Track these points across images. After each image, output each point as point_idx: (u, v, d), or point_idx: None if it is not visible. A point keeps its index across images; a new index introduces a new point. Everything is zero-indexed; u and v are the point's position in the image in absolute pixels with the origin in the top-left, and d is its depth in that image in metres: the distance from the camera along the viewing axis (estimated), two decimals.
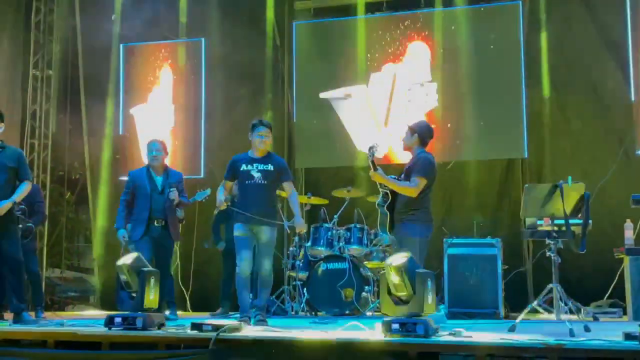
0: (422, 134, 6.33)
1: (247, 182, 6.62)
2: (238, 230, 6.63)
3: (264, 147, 6.67)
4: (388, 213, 6.16)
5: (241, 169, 6.65)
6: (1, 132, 6.67)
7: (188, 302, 9.86)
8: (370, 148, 6.06)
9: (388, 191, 6.17)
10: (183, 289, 9.88)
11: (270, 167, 6.65)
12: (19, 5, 11.10)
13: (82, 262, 12.42)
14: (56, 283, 11.39)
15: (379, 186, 6.23)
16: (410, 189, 6.07)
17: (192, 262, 10.03)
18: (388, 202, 6.17)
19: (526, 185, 6.11)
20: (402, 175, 6.27)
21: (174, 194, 7.40)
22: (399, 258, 5.20)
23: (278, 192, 7.02)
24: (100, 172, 10.69)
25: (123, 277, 5.89)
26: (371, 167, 6.03)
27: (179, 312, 8.36)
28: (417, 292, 5.03)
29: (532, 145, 9.59)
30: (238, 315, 6.75)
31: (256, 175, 6.59)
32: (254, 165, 6.63)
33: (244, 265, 6.56)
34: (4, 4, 10.72)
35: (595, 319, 7.38)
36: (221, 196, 6.67)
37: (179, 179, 7.70)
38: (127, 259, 5.93)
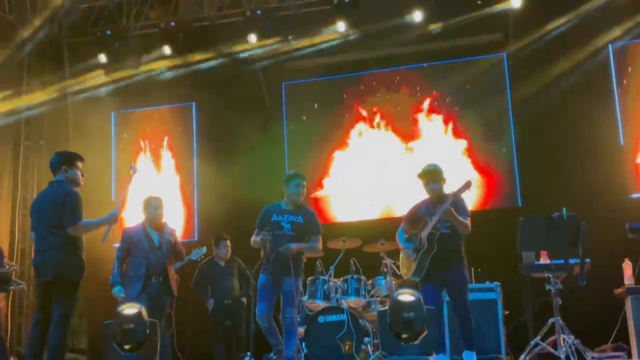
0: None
1: (276, 232, 6.63)
2: (261, 281, 6.70)
3: (299, 198, 6.76)
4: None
5: (272, 219, 6.71)
6: None
7: None
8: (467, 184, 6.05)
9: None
10: (179, 354, 9.59)
11: (300, 219, 6.73)
12: None
13: (76, 342, 12.11)
14: None
15: (431, 229, 6.17)
16: (469, 228, 6.12)
17: (188, 328, 9.76)
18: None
19: (521, 218, 6.06)
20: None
21: (170, 235, 7.25)
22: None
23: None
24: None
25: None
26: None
27: None
28: (428, 330, 4.99)
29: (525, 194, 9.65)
30: None
31: (286, 226, 6.67)
32: (285, 216, 6.72)
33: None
34: None
35: None
36: (258, 238, 6.65)
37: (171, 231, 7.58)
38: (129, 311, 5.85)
